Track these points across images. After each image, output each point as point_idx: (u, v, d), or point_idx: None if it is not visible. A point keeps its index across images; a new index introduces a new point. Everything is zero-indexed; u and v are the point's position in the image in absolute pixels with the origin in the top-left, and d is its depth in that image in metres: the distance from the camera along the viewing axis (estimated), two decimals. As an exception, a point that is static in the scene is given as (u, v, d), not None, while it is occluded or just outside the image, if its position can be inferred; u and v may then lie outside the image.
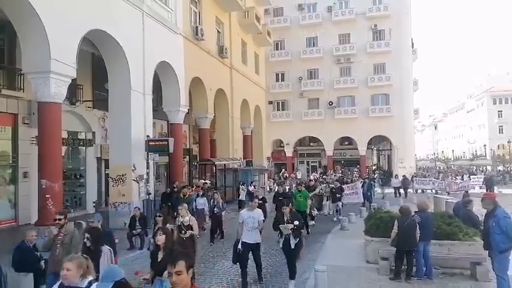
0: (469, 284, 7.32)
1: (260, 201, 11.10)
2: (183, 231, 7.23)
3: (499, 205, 6.39)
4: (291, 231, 7.07)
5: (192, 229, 7.32)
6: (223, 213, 12.02)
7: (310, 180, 18.44)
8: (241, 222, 7.35)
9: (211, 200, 12.38)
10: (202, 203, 12.93)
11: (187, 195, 12.65)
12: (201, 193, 13.40)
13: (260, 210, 7.70)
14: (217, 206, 11.79)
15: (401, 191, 24.36)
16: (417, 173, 35.99)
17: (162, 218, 7.45)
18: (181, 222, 7.43)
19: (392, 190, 24.90)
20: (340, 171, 34.49)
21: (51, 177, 10.58)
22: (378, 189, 23.80)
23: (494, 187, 25.64)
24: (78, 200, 16.11)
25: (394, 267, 7.69)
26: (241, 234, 7.30)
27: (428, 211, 8.39)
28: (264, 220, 7.60)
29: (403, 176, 26.37)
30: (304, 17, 38.30)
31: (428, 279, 7.51)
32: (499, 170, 44.23)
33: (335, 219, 15.36)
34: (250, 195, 15.66)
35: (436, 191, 24.95)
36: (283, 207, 7.38)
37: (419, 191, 26.36)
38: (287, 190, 18.08)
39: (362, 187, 18.31)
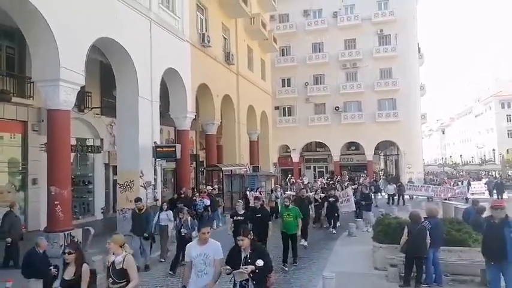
0: (480, 291, 7.23)
1: (240, 218, 9.15)
2: (111, 280, 4.73)
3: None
4: (249, 277, 4.54)
5: (126, 276, 4.71)
6: (193, 234, 9.18)
7: (302, 189, 15.28)
8: (189, 262, 4.94)
9: (177, 218, 9.57)
10: (165, 218, 10.30)
11: (143, 210, 9.56)
12: (166, 206, 10.87)
13: (217, 244, 4.97)
14: (185, 226, 9.17)
15: (396, 198, 23.32)
16: (426, 179, 35.67)
17: (74, 255, 4.71)
18: (112, 263, 4.76)
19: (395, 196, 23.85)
20: (315, 177, 33.62)
21: (60, 184, 10.66)
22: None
23: (504, 192, 25.11)
24: (86, 206, 16.18)
25: (403, 274, 7.62)
26: (188, 279, 4.92)
27: (438, 217, 8.32)
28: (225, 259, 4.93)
29: (399, 182, 25.58)
30: (309, 23, 38.41)
31: (438, 286, 7.45)
32: (508, 175, 43.66)
33: (334, 231, 14.20)
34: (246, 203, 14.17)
35: (429, 198, 22.80)
36: (238, 236, 4.74)
37: (414, 197, 24.41)
38: (278, 199, 16.54)
39: (354, 194, 16.89)
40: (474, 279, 7.72)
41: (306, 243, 11.52)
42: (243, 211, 9.56)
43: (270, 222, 9.25)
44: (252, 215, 9.25)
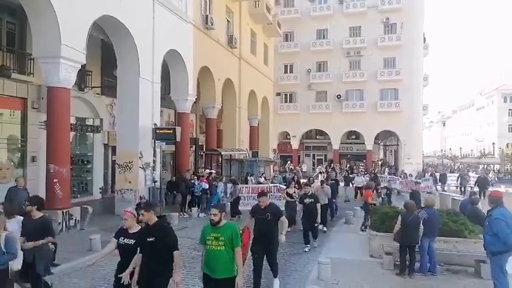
0: (473, 281, 7.31)
1: (128, 243, 4.69)
2: None
3: (502, 205, 5.96)
4: None
5: None
6: (15, 264, 4.83)
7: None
8: None
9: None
10: (16, 227, 5.45)
11: None
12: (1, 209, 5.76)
13: None
14: (28, 256, 5.08)
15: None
16: (424, 170, 35.68)
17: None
18: None
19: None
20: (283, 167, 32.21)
21: (59, 162, 10.68)
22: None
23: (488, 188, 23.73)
24: (84, 185, 16.24)
25: (399, 263, 7.70)
26: None
27: (435, 208, 8.37)
28: None
29: (374, 173, 24.28)
30: (315, 9, 37.91)
31: (432, 275, 7.53)
32: (507, 169, 43.65)
33: (306, 249, 9.55)
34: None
35: (397, 190, 20.18)
36: None
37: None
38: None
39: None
40: (468, 269, 7.80)
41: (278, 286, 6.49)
42: (139, 227, 4.79)
43: (176, 252, 4.55)
44: (142, 239, 4.56)
